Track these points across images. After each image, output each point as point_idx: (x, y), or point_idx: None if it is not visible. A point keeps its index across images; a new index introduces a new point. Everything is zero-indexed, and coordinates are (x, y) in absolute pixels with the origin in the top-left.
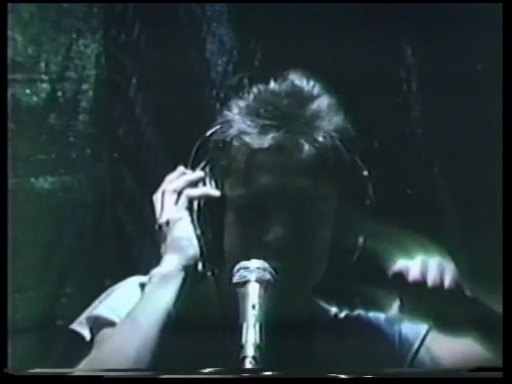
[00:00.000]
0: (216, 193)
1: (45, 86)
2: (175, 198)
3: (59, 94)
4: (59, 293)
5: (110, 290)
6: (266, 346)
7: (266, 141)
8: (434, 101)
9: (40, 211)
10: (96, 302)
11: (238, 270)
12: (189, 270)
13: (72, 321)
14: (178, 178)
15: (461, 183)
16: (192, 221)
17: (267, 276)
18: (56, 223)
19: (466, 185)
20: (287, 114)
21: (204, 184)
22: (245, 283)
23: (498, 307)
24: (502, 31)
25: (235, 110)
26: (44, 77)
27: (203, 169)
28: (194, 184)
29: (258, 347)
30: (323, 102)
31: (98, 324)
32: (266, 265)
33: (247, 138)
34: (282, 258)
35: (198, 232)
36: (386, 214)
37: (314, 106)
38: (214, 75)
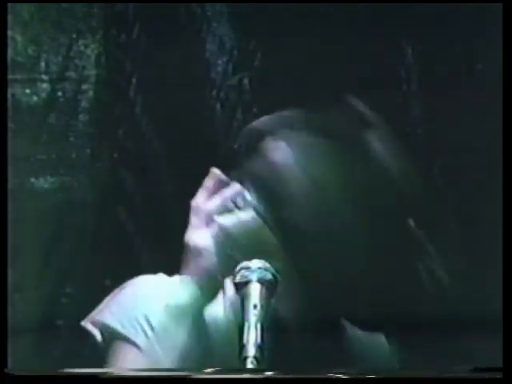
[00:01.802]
0: (248, 218)
1: (45, 85)
2: (205, 221)
3: (59, 93)
4: (59, 293)
5: (118, 290)
6: (267, 346)
7: (292, 157)
8: (434, 101)
9: (40, 211)
10: (105, 302)
11: (240, 270)
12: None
13: (72, 321)
14: (212, 196)
15: (461, 183)
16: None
17: (269, 276)
18: (56, 223)
19: (466, 185)
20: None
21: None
22: (246, 283)
23: None
24: (501, 31)
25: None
26: (44, 77)
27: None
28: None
29: (259, 347)
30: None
31: (107, 332)
32: (267, 265)
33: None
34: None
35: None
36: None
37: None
38: (213, 75)
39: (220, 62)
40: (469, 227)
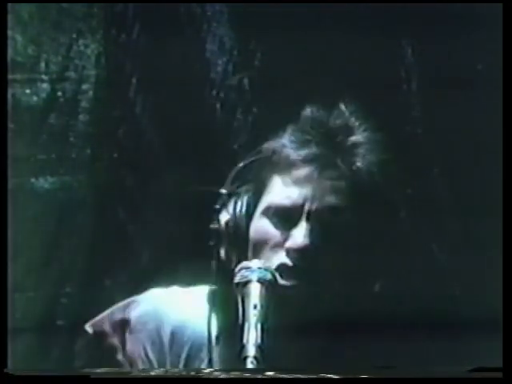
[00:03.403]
0: None
1: (45, 85)
2: None
3: (59, 93)
4: (59, 293)
5: (130, 300)
6: (267, 346)
7: (304, 153)
8: (434, 101)
9: (40, 211)
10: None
11: (240, 270)
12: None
13: (72, 321)
14: None
15: (461, 183)
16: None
17: (268, 276)
18: (56, 223)
19: (466, 185)
20: (331, 136)
21: (237, 200)
22: (246, 283)
23: None
24: (501, 31)
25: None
26: (44, 77)
27: (240, 186)
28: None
29: (258, 347)
30: (368, 137)
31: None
32: (267, 265)
33: (287, 151)
34: (297, 266)
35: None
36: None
37: (359, 137)
38: (213, 75)
39: (220, 62)
40: (469, 227)
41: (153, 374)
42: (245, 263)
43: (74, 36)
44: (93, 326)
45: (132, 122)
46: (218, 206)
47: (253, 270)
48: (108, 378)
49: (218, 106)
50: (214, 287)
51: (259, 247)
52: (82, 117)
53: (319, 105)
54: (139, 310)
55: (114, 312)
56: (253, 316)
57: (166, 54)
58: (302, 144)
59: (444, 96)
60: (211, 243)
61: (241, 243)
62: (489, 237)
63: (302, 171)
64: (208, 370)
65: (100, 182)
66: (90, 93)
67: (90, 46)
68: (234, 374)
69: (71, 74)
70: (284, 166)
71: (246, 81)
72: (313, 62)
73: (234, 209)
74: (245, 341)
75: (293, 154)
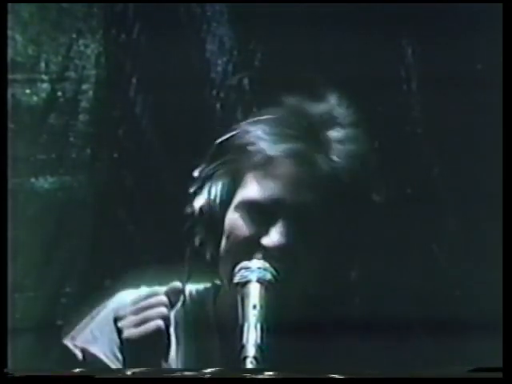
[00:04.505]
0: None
1: (45, 86)
2: None
3: (59, 93)
4: (59, 293)
5: (101, 307)
6: (267, 346)
7: (281, 149)
8: (434, 101)
9: (40, 211)
10: (87, 318)
11: (239, 270)
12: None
13: (72, 321)
14: None
15: (461, 183)
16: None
17: (268, 276)
18: (56, 223)
19: (466, 185)
20: (310, 130)
21: (212, 185)
22: (246, 283)
23: None
24: (502, 31)
25: (256, 120)
26: (44, 77)
27: (214, 171)
28: None
29: (258, 347)
30: (346, 126)
31: (88, 357)
32: (266, 265)
33: (263, 144)
34: (276, 263)
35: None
36: (386, 214)
37: (337, 128)
38: (213, 75)
39: (220, 61)
40: (469, 227)
41: (153, 373)
42: (244, 263)
43: (74, 36)
44: (70, 339)
45: (132, 121)
46: (192, 190)
47: (252, 270)
48: (108, 377)
49: (217, 105)
50: (178, 285)
51: (233, 241)
52: (81, 117)
53: (300, 97)
54: (103, 311)
55: (85, 322)
56: (252, 316)
57: (166, 53)
58: (280, 138)
59: (444, 96)
60: (185, 228)
61: (215, 232)
62: (489, 237)
63: (278, 166)
64: (208, 370)
65: (100, 182)
66: (90, 93)
67: (90, 46)
68: (234, 374)
69: (71, 74)
70: (259, 159)
71: (246, 81)
72: (312, 61)
73: (209, 194)
74: (244, 341)
75: (269, 148)
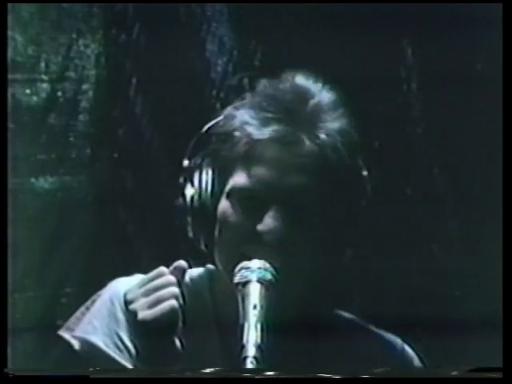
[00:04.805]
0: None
1: (45, 86)
2: None
3: (59, 94)
4: (59, 293)
5: (95, 297)
6: (267, 346)
7: (267, 132)
8: (434, 100)
9: (40, 211)
10: (83, 309)
11: (240, 270)
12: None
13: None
14: None
15: (461, 183)
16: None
17: (268, 276)
18: (56, 223)
19: (466, 185)
20: (289, 109)
21: (201, 174)
22: (246, 283)
23: None
24: (501, 31)
25: (238, 104)
26: (44, 77)
27: (203, 159)
28: None
29: (259, 347)
30: (324, 99)
31: (90, 349)
32: (267, 265)
33: (249, 129)
34: (272, 250)
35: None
36: (386, 214)
37: (316, 101)
38: (213, 75)
39: (220, 61)
40: (469, 227)
41: (153, 373)
42: (244, 263)
43: (74, 36)
44: (66, 330)
45: (132, 122)
46: (181, 180)
47: (253, 270)
48: (108, 377)
49: (217, 105)
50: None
51: (227, 229)
52: (81, 117)
53: (271, 78)
54: (99, 301)
55: (80, 312)
56: (253, 316)
57: (166, 54)
58: (263, 122)
59: (444, 96)
60: (177, 220)
61: (208, 222)
62: (489, 236)
63: (266, 150)
64: (208, 370)
65: (100, 182)
66: (90, 93)
67: (90, 46)
68: (234, 374)
69: (71, 73)
70: (246, 145)
71: (245, 81)
72: (313, 61)
73: (200, 183)
74: (245, 341)
75: (255, 132)
